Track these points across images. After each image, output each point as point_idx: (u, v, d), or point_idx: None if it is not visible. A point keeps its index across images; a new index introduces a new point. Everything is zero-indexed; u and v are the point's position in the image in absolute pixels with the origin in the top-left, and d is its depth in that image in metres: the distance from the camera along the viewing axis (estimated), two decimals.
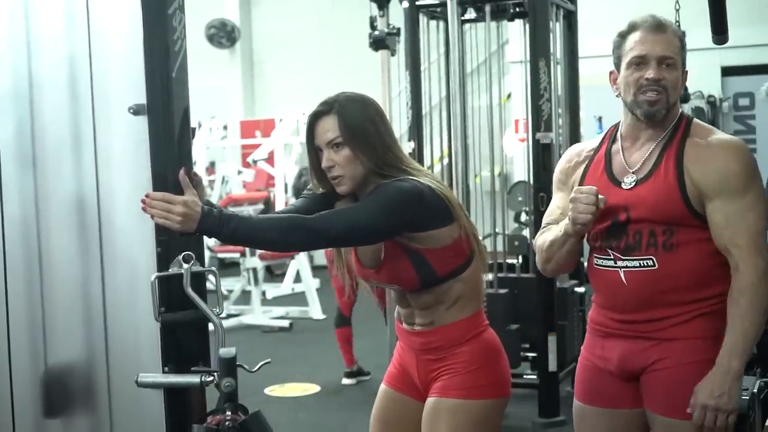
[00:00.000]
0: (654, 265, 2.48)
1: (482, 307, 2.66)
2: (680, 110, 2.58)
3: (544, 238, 2.66)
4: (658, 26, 2.51)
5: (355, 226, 2.42)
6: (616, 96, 2.59)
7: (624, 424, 2.63)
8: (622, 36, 2.55)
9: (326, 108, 2.53)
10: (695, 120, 2.59)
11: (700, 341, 2.49)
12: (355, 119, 2.51)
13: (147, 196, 2.25)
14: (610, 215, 2.52)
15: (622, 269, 2.52)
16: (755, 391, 2.67)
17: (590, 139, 2.84)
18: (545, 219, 2.74)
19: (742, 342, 2.42)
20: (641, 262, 2.49)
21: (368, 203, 2.46)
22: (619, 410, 2.61)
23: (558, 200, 2.73)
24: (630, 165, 2.54)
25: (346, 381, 6.47)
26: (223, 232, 2.31)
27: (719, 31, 3.15)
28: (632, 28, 2.54)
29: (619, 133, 2.62)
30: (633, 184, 2.51)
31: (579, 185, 2.60)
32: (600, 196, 2.46)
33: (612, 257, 2.54)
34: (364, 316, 6.59)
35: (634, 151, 2.56)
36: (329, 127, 2.51)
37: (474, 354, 2.57)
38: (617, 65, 2.57)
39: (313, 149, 2.56)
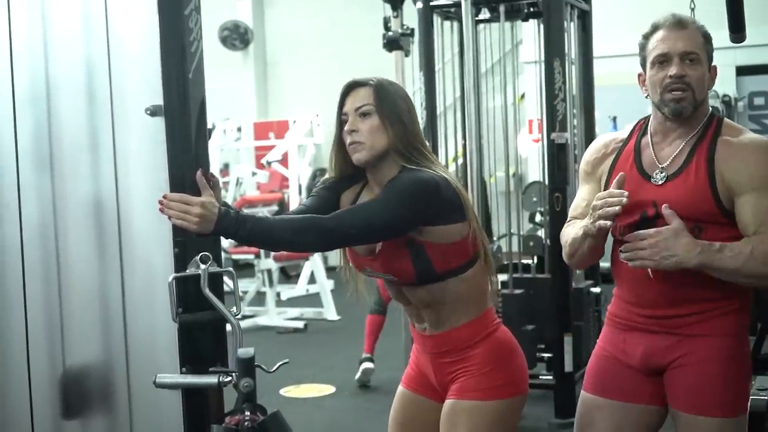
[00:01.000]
0: None
1: (490, 306, 2.63)
2: (710, 109, 2.57)
3: (567, 234, 2.65)
4: (679, 23, 2.51)
5: (370, 221, 2.40)
6: (645, 97, 2.59)
7: (636, 420, 2.61)
8: (646, 37, 2.56)
9: (362, 81, 2.54)
10: (725, 119, 2.58)
11: (725, 338, 2.49)
12: (389, 94, 2.52)
13: (164, 197, 2.25)
14: (638, 209, 2.51)
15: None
16: None
17: None
18: (571, 212, 2.75)
19: (718, 260, 2.37)
20: None
21: (382, 198, 2.44)
22: (634, 405, 2.60)
23: (584, 192, 2.72)
24: (660, 160, 2.54)
25: (367, 365, 6.35)
26: (240, 233, 2.31)
27: (737, 30, 3.13)
28: (655, 28, 2.54)
29: (649, 127, 2.62)
30: (663, 180, 2.51)
31: (608, 176, 2.60)
32: (624, 192, 2.43)
33: None
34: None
35: (665, 146, 2.56)
36: (362, 96, 2.51)
37: (486, 355, 2.56)
38: (643, 66, 2.57)
39: (339, 120, 2.56)
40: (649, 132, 2.61)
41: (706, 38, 2.53)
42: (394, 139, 2.49)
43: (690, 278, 2.45)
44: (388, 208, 2.41)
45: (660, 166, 2.53)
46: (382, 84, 2.53)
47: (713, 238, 2.44)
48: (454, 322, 2.56)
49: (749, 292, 2.52)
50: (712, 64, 2.55)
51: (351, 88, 2.54)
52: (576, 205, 2.73)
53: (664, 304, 2.51)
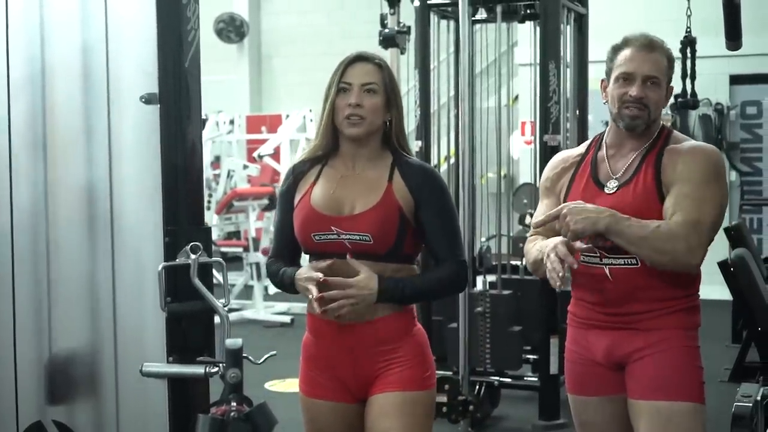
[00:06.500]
0: (637, 264, 2.60)
1: None
2: (661, 123, 2.72)
3: (529, 251, 2.79)
4: (648, 45, 2.64)
5: (457, 228, 2.61)
6: (604, 103, 2.73)
7: (624, 408, 2.67)
8: (615, 50, 2.69)
9: (369, 58, 2.58)
10: (674, 131, 2.73)
11: (682, 330, 2.63)
12: (393, 78, 2.59)
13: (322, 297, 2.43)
14: None
15: (608, 266, 2.63)
16: (759, 398, 2.73)
17: None
18: (533, 226, 2.84)
19: (626, 227, 2.50)
20: (626, 260, 2.61)
21: (450, 212, 2.60)
22: (616, 395, 2.68)
23: (544, 207, 2.83)
24: (614, 172, 2.68)
25: None
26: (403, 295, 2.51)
27: (733, 37, 3.15)
28: (625, 43, 2.67)
29: (604, 140, 2.75)
30: (615, 189, 2.65)
31: (567, 190, 2.75)
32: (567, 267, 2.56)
33: (598, 255, 2.64)
34: None
35: (619, 159, 2.70)
36: (371, 72, 2.56)
37: (417, 346, 2.58)
38: (608, 75, 2.70)
39: (337, 88, 2.56)
40: (605, 145, 2.74)
41: (670, 62, 2.68)
42: (393, 122, 2.57)
43: (646, 279, 2.58)
44: (454, 209, 2.65)
45: (614, 177, 2.67)
46: (387, 66, 2.59)
47: None
48: (386, 309, 2.53)
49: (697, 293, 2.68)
50: (670, 84, 2.69)
51: (357, 60, 2.57)
52: (537, 220, 2.80)
53: (623, 302, 2.62)
